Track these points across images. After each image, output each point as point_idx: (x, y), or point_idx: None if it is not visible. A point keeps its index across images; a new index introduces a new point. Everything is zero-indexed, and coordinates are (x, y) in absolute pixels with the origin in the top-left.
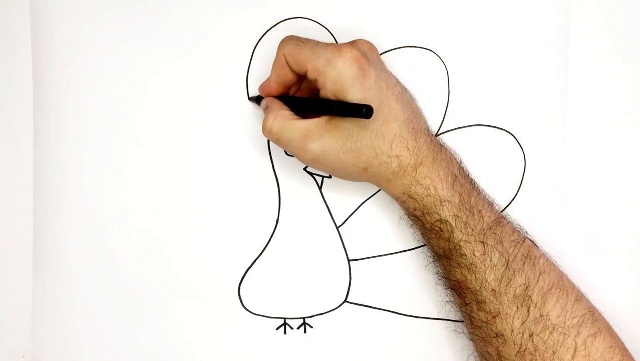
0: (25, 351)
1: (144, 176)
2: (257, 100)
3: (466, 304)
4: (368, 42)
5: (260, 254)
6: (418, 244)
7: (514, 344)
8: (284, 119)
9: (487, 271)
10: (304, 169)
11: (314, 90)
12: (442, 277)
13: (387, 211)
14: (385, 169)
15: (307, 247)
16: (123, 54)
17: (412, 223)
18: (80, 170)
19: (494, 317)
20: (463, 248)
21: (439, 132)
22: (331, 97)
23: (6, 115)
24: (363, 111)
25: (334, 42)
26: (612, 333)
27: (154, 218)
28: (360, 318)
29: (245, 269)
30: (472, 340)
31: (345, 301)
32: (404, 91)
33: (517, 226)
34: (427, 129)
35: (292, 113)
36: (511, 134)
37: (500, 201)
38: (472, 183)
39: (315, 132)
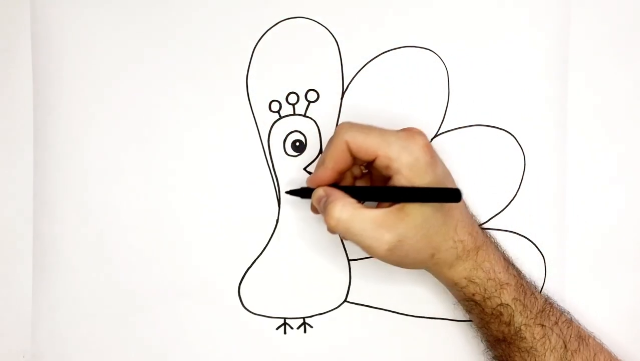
0: (25, 351)
1: (143, 176)
2: (298, 193)
3: None
4: (420, 130)
5: (260, 254)
6: None
7: None
8: (352, 208)
9: (546, 354)
10: (304, 169)
11: (356, 177)
12: None
13: None
14: (451, 254)
15: (307, 247)
16: (123, 54)
17: (469, 310)
18: (80, 170)
19: None
20: (523, 332)
21: (439, 132)
22: (405, 183)
23: (6, 115)
24: (453, 196)
25: (335, 43)
26: None
27: (154, 218)
28: (360, 318)
29: (245, 269)
30: None
31: (345, 301)
32: (450, 173)
33: (557, 305)
34: (472, 215)
35: (357, 202)
36: (511, 134)
37: (500, 201)
38: (516, 266)
39: (388, 221)
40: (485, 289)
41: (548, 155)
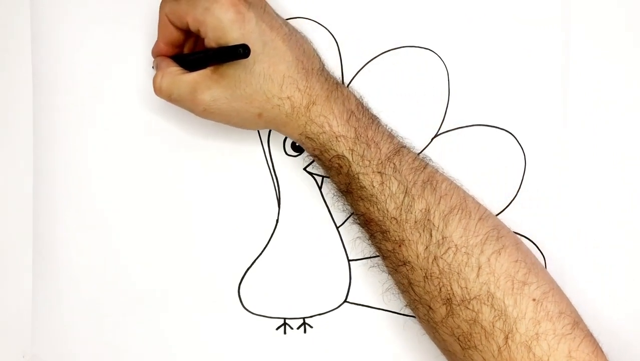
0: (25, 351)
1: (143, 175)
2: None
3: (373, 236)
4: None
5: (260, 254)
6: None
7: (421, 269)
8: (172, 75)
9: (387, 201)
10: (304, 169)
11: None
12: (349, 213)
13: None
14: (278, 112)
15: (307, 247)
16: (123, 54)
17: (318, 165)
18: (80, 170)
19: (399, 245)
20: (361, 181)
21: (439, 132)
22: (214, 45)
23: (6, 115)
24: (239, 51)
25: (334, 42)
26: (519, 248)
27: (154, 218)
28: (360, 318)
29: (245, 269)
30: (388, 273)
31: (345, 301)
32: (292, 32)
33: (423, 155)
34: (321, 69)
35: (181, 69)
36: (511, 134)
37: (500, 201)
38: (371, 118)
39: (202, 83)
40: (320, 144)
41: (548, 155)
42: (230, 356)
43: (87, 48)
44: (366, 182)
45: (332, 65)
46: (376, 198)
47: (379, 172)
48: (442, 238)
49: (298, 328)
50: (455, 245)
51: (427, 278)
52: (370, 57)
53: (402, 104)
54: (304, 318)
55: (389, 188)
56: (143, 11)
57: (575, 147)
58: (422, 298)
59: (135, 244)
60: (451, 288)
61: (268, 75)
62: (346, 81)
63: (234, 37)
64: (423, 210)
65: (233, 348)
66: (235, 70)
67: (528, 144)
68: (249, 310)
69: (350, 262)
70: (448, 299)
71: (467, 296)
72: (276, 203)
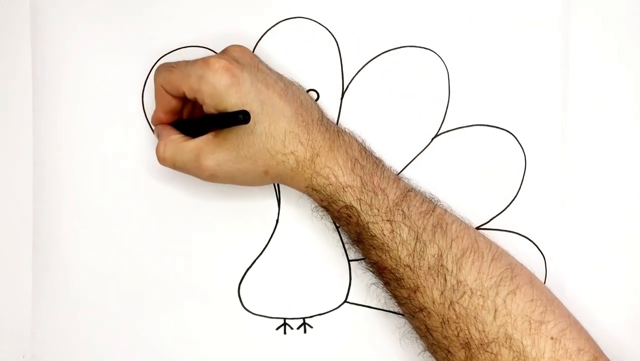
0: (25, 351)
1: (143, 175)
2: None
3: (388, 284)
4: (239, 46)
5: (260, 254)
6: None
7: (438, 315)
8: (174, 144)
9: (399, 248)
10: None
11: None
12: (362, 260)
13: None
14: (284, 168)
15: (307, 247)
16: (123, 55)
17: (322, 215)
18: (80, 170)
19: (415, 292)
20: (372, 229)
21: (440, 132)
22: (213, 111)
23: (6, 115)
24: (240, 118)
25: (334, 42)
26: (534, 285)
27: (154, 218)
28: (360, 318)
29: (245, 270)
30: (404, 317)
31: (345, 301)
32: (288, 86)
33: (429, 195)
34: (321, 118)
35: (183, 136)
36: (511, 134)
37: (500, 201)
38: (375, 163)
39: (206, 149)
40: (327, 195)
41: (548, 155)
42: (231, 356)
43: (87, 47)
44: (376, 230)
45: (332, 65)
46: (388, 246)
47: (388, 220)
48: (457, 283)
49: (298, 328)
50: (470, 289)
51: (444, 323)
52: (370, 57)
53: (402, 104)
54: (304, 318)
55: (400, 235)
56: (143, 12)
57: (575, 147)
58: (440, 342)
59: (135, 244)
60: (469, 332)
61: (269, 133)
62: (346, 81)
63: (231, 102)
64: (436, 255)
65: (233, 348)
66: (237, 132)
67: (528, 144)
68: (249, 310)
69: (350, 262)
70: (467, 343)
71: (485, 339)
72: (276, 203)
